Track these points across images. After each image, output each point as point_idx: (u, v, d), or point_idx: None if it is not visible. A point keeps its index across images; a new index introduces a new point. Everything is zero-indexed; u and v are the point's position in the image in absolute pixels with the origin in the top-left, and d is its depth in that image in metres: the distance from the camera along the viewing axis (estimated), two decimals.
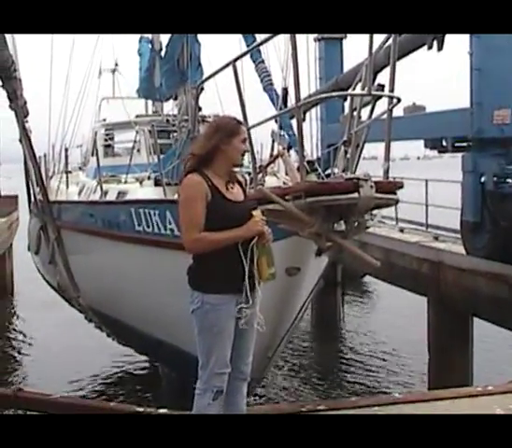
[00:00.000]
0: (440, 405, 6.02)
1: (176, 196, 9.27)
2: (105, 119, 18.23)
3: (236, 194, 4.73)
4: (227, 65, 5.90)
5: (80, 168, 18.96)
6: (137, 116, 16.41)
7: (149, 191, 11.10)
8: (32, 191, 15.57)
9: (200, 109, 11.91)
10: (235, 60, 5.80)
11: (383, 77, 5.73)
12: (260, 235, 4.57)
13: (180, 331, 8.03)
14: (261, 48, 10.78)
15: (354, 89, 6.17)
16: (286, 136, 11.16)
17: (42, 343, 16.89)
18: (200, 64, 12.25)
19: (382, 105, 5.69)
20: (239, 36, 11.30)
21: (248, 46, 10.61)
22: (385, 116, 5.59)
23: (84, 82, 18.65)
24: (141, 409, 6.29)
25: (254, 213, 4.62)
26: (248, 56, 10.52)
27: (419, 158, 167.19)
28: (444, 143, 13.26)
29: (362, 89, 5.39)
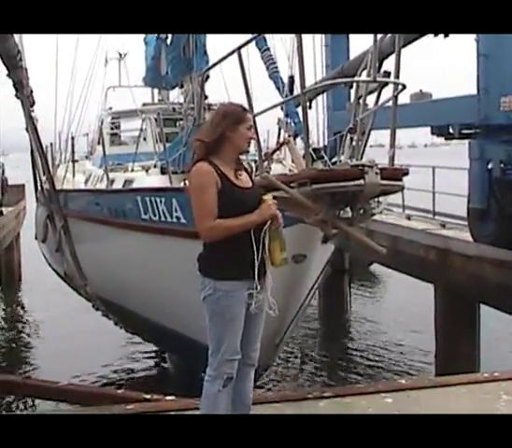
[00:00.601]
0: (447, 391, 6.04)
1: (182, 184, 9.33)
2: (111, 108, 18.21)
3: (244, 181, 4.72)
4: (232, 53, 5.91)
5: (87, 157, 18.98)
6: (144, 104, 16.40)
7: (155, 180, 11.12)
8: (39, 180, 15.59)
9: (206, 97, 11.93)
10: (240, 47, 5.81)
11: (390, 64, 5.74)
12: (272, 219, 4.55)
13: (188, 319, 8.07)
14: (266, 35, 10.77)
15: (360, 76, 6.18)
16: (292, 124, 11.15)
17: (49, 332, 16.95)
18: (205, 52, 12.23)
19: (389, 93, 5.70)
20: None
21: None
22: (390, 103, 5.60)
23: (90, 70, 18.65)
24: (149, 396, 6.33)
25: (265, 197, 4.60)
26: (254, 44, 10.51)
27: (426, 145, 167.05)
28: (451, 130, 13.21)
29: (368, 76, 5.40)
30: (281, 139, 11.31)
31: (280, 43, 12.41)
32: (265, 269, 4.62)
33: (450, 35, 12.39)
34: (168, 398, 6.23)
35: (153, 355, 14.49)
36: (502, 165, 11.53)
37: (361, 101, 5.71)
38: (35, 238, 16.64)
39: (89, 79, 18.38)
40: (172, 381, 11.67)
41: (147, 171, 12.03)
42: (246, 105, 5.07)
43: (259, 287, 4.55)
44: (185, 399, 6.00)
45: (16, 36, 10.79)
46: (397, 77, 5.47)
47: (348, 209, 5.24)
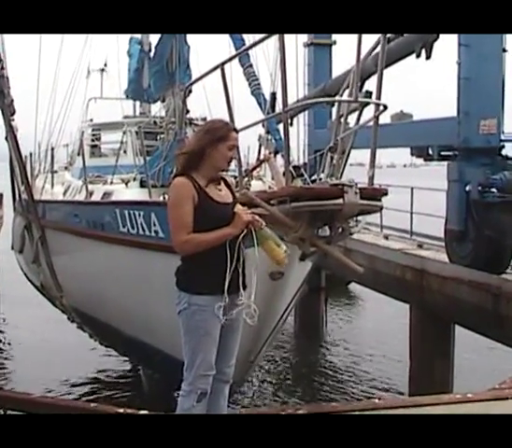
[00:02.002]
0: (420, 411, 6.03)
1: (161, 198, 9.31)
2: (92, 120, 18.18)
3: (224, 196, 4.73)
4: (215, 68, 5.92)
5: (66, 168, 18.89)
6: (125, 117, 16.39)
7: (134, 193, 11.10)
8: (17, 190, 15.49)
9: (187, 112, 11.94)
10: (223, 63, 5.83)
11: (372, 84, 5.78)
12: (251, 223, 4.55)
13: (164, 334, 8.03)
14: (250, 52, 10.80)
15: (341, 95, 6.21)
16: (273, 141, 11.18)
17: (24, 343, 16.81)
18: (188, 67, 12.27)
19: (370, 112, 5.74)
20: (229, 40, 11.32)
21: (237, 49, 10.63)
22: (371, 123, 5.63)
23: (72, 82, 18.63)
24: (122, 410, 6.28)
25: (236, 209, 4.62)
26: (237, 60, 10.54)
27: (405, 165, 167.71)
28: (430, 151, 13.29)
29: (350, 95, 5.43)
30: (262, 156, 11.33)
31: (263, 56, 12.44)
32: (238, 281, 4.61)
33: (432, 57, 12.49)
34: (141, 412, 6.17)
35: (128, 369, 14.40)
36: (480, 187, 11.61)
37: (342, 120, 5.73)
38: (12, 248, 16.52)
39: (70, 90, 18.37)
40: (146, 395, 11.59)
41: (126, 184, 11.99)
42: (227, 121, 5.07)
43: (227, 300, 4.53)
44: (159, 413, 5.96)
45: None
46: (379, 97, 5.51)
47: (326, 227, 5.26)
